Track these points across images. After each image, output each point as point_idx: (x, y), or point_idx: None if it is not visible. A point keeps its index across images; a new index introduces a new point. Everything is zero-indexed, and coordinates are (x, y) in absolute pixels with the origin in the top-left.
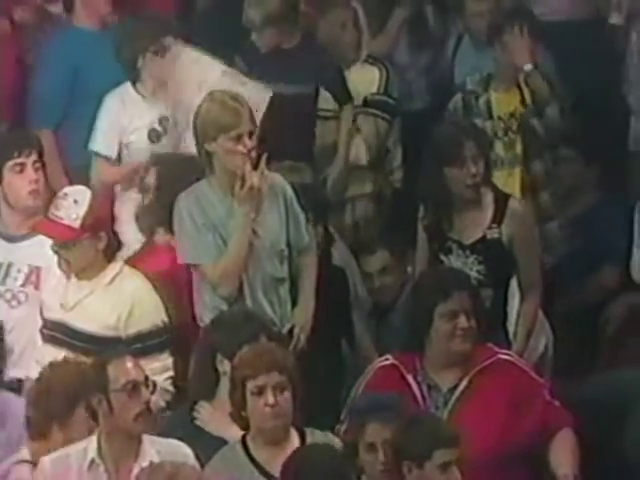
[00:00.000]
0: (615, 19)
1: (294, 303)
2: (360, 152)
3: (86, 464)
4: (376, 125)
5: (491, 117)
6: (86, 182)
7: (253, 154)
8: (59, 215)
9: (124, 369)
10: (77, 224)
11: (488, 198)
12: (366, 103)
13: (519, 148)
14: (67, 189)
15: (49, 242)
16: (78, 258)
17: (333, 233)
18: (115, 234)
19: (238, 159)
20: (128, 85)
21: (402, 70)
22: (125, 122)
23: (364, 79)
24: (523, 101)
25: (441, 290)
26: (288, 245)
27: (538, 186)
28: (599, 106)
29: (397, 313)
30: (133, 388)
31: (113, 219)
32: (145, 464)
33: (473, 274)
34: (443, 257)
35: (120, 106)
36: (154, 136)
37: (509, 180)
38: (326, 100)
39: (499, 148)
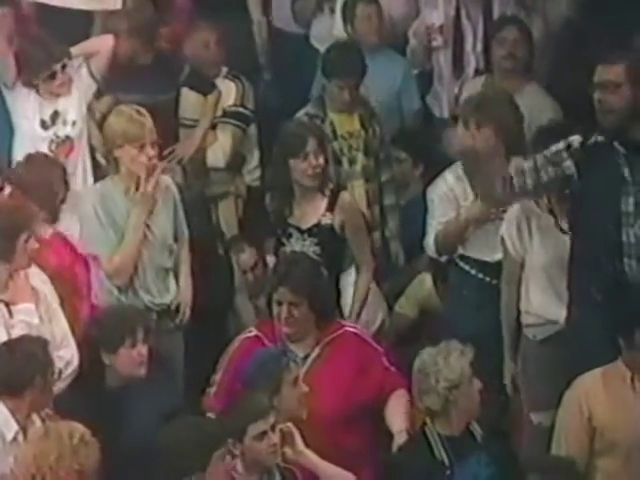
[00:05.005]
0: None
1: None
2: (218, 156)
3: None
4: (232, 133)
5: (336, 137)
6: None
7: (153, 161)
8: None
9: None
10: None
11: (326, 191)
12: (224, 114)
13: (359, 165)
14: None
15: None
16: None
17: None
18: None
19: (140, 165)
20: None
21: (270, 82)
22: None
23: (223, 93)
24: (362, 124)
25: (271, 283)
26: (175, 239)
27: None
28: (425, 117)
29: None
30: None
31: None
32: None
33: (311, 254)
34: (285, 241)
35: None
36: (44, 125)
37: (355, 191)
38: (187, 109)
39: (345, 164)
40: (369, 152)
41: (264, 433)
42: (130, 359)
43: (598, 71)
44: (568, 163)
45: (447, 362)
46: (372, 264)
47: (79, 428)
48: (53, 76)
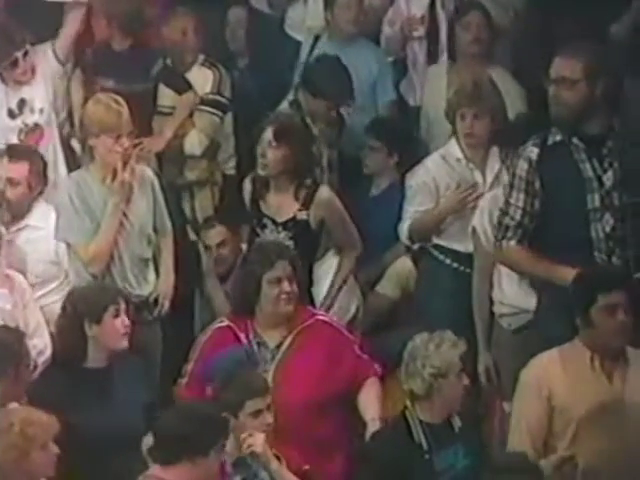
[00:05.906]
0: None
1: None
2: (194, 144)
3: None
4: (209, 121)
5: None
6: None
7: (129, 151)
8: None
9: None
10: None
11: (302, 187)
12: (202, 102)
13: (325, 159)
14: None
15: None
16: None
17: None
18: None
19: (115, 155)
20: None
21: (246, 70)
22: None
23: (200, 80)
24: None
25: (267, 260)
26: (154, 230)
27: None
28: (400, 106)
29: (230, 282)
30: None
31: None
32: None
33: None
34: (260, 231)
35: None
36: (12, 114)
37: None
38: (165, 97)
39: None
40: (332, 144)
41: (260, 411)
42: (114, 329)
43: (555, 65)
44: (537, 183)
45: (438, 350)
46: (356, 251)
47: (28, 417)
48: (15, 64)
